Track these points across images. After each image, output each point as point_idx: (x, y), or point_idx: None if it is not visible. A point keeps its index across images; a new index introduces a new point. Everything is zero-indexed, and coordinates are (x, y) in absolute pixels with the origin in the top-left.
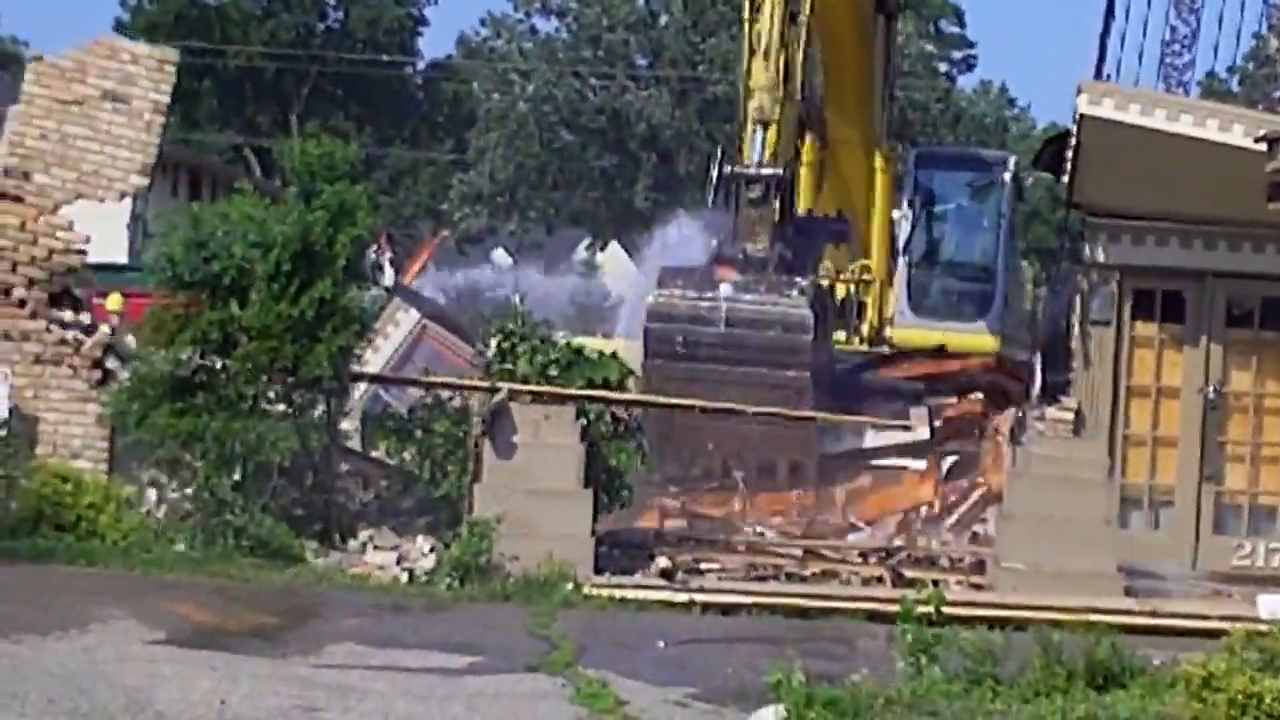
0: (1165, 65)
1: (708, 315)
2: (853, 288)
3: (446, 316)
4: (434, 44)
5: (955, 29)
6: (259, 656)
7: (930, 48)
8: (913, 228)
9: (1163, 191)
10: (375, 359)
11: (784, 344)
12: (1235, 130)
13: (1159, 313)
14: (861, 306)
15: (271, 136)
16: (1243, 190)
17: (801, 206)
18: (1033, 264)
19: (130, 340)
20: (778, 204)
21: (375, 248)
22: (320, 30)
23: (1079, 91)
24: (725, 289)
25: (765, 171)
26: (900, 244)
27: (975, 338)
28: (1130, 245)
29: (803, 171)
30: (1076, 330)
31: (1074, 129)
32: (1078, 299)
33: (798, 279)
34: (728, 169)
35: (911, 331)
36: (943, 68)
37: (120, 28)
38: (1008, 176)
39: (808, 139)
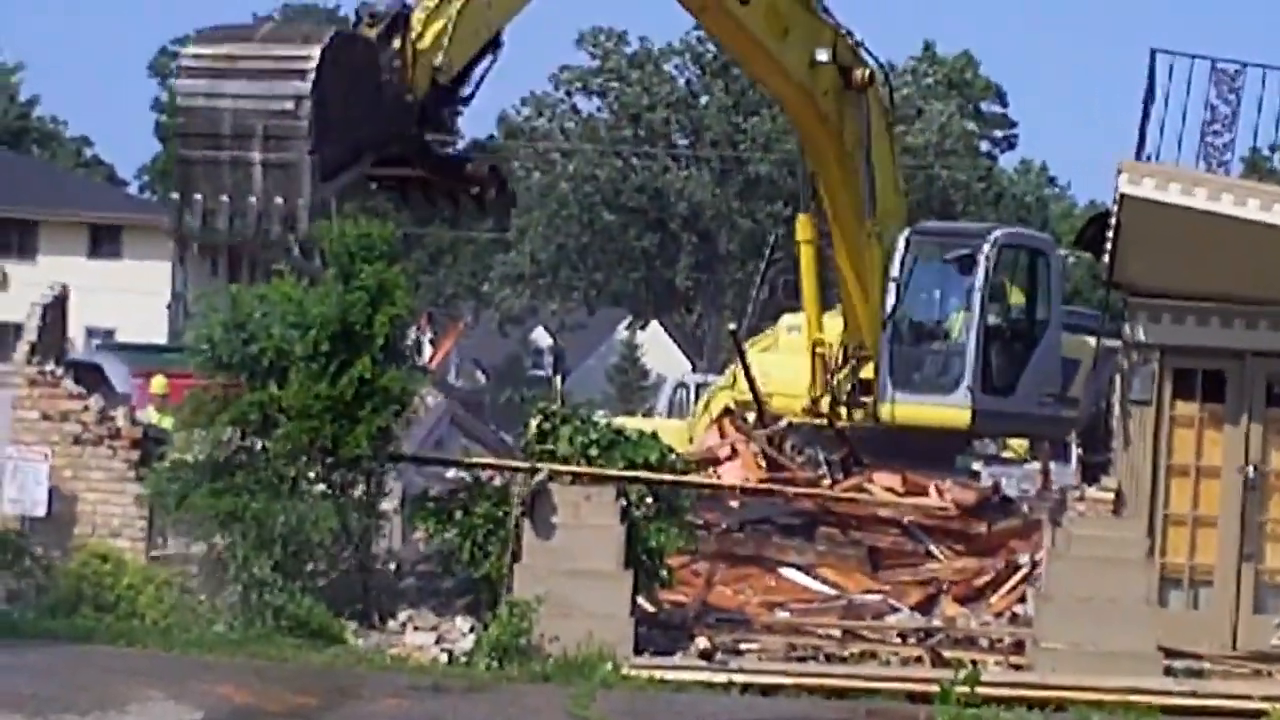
0: (1205, 144)
1: None
2: (853, 366)
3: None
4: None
5: (997, 108)
6: None
7: (972, 127)
8: (896, 302)
9: (1204, 271)
10: (406, 443)
11: None
12: (1276, 210)
13: (1200, 392)
14: (867, 384)
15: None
16: None
17: (807, 282)
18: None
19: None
20: None
21: (416, 327)
22: None
23: (1119, 171)
24: None
25: None
26: (885, 319)
27: (948, 411)
28: (1171, 324)
29: (803, 249)
30: (1117, 409)
31: (1115, 208)
32: (1118, 378)
33: None
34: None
35: (894, 406)
36: (984, 147)
37: (158, 107)
38: (987, 248)
39: (803, 217)
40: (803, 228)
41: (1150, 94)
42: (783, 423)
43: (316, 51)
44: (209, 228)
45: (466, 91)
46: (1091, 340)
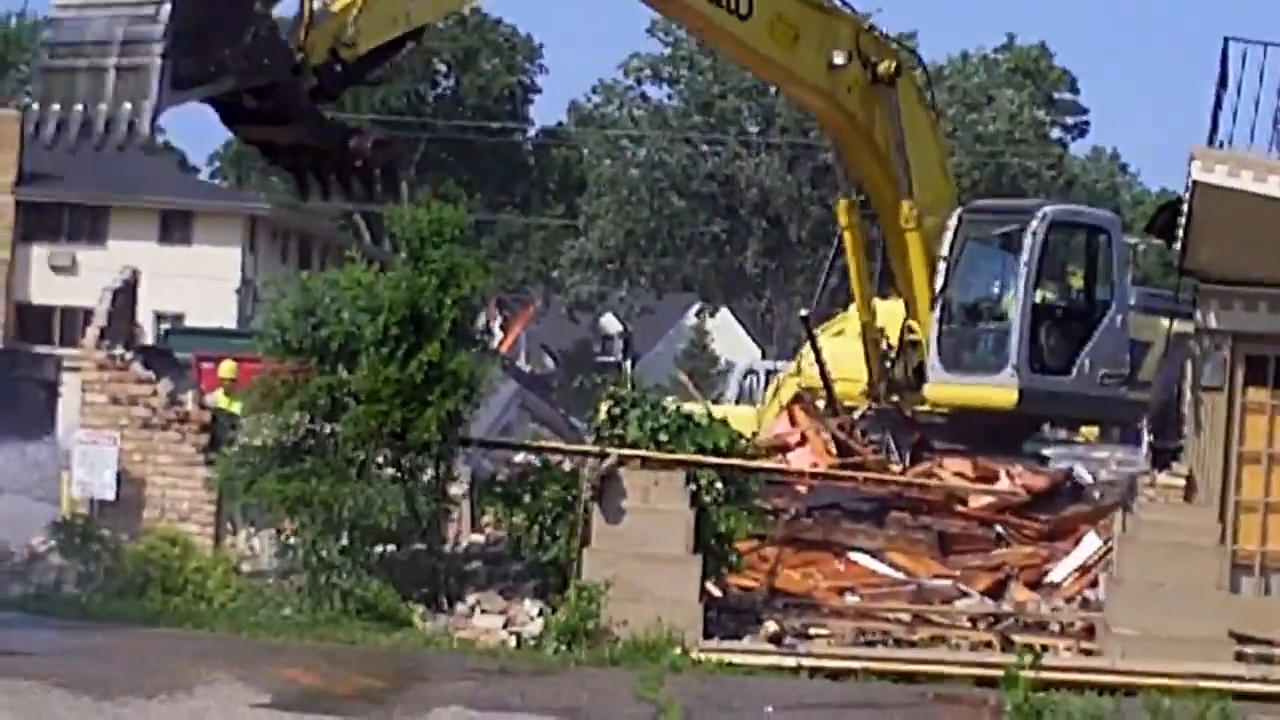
0: (1278, 131)
1: None
2: (907, 350)
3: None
4: (545, 111)
5: (1069, 96)
6: None
7: (1043, 115)
8: (945, 282)
9: (1275, 257)
10: (474, 427)
11: None
12: None
13: (1271, 379)
14: (921, 366)
15: (382, 202)
16: None
17: (852, 266)
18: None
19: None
20: None
21: (485, 312)
22: (432, 97)
23: (1192, 158)
24: None
25: None
26: (935, 298)
27: (995, 390)
28: (1242, 311)
29: (846, 234)
30: (1188, 396)
31: (1186, 195)
32: (1189, 365)
33: None
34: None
35: (942, 388)
36: (1055, 134)
37: None
38: (1035, 224)
39: (843, 202)
40: (843, 213)
41: (1223, 81)
42: (857, 413)
43: None
44: (63, 136)
45: (372, 74)
46: (1165, 322)
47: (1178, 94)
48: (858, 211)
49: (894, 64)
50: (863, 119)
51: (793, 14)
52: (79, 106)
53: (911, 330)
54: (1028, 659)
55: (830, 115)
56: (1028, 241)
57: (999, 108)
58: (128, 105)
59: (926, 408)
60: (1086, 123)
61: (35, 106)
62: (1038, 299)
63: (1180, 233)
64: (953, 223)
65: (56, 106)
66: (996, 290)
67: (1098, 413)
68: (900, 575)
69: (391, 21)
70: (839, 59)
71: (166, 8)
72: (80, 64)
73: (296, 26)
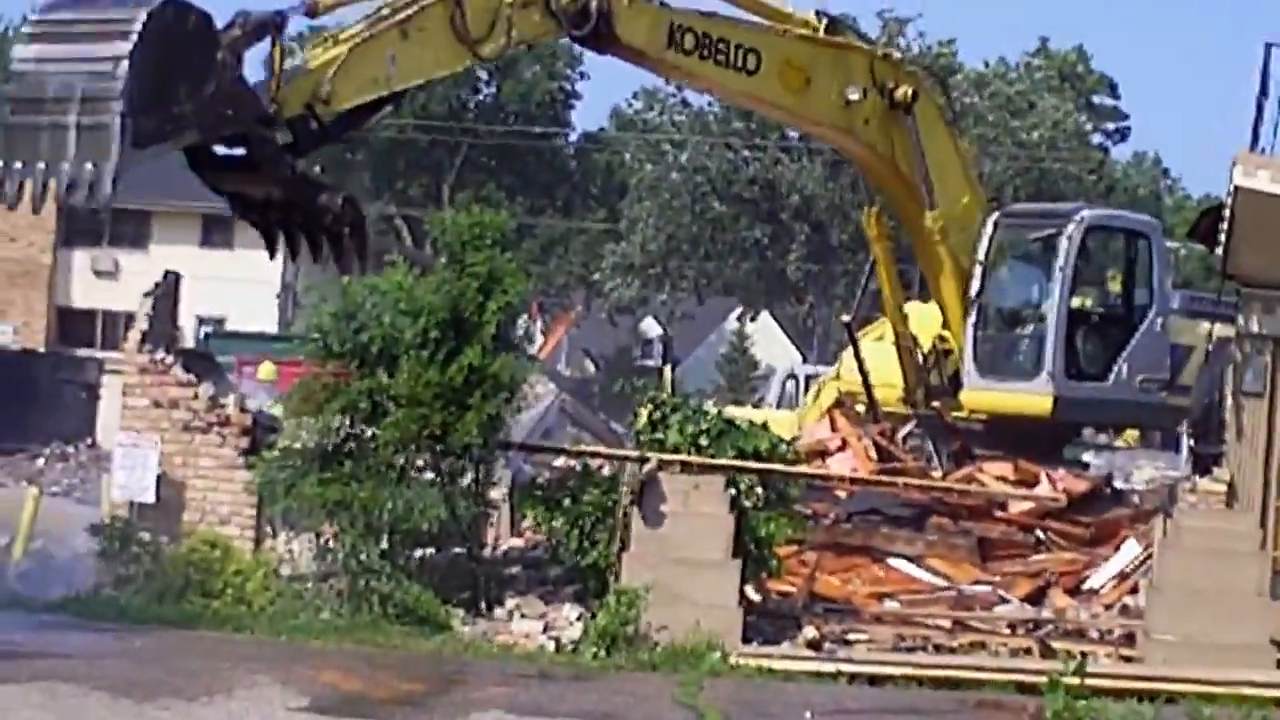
0: None
1: None
2: (939, 358)
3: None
4: (586, 116)
5: (1108, 100)
6: None
7: (1084, 120)
8: (980, 287)
9: None
10: (514, 431)
11: None
12: None
13: None
14: (956, 373)
15: (423, 207)
16: None
17: (882, 275)
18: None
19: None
20: None
21: (526, 316)
22: (473, 102)
23: (1234, 163)
24: None
25: None
26: (970, 304)
27: (1030, 397)
28: None
29: (874, 245)
30: (1230, 401)
31: (1228, 200)
32: (1231, 370)
33: None
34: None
35: (977, 394)
36: (1096, 140)
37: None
38: (1071, 228)
39: (869, 211)
40: (870, 224)
41: (1265, 87)
42: (905, 429)
43: (143, 15)
44: (22, 195)
45: (347, 134)
46: (1207, 326)
47: (1221, 99)
48: (886, 221)
49: (911, 89)
50: (883, 147)
51: (802, 57)
52: (41, 165)
53: (944, 339)
54: (1073, 665)
55: (850, 147)
56: (1064, 246)
57: (1041, 113)
58: (89, 166)
59: (964, 414)
60: (1128, 128)
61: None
62: (1075, 304)
63: (1222, 238)
64: (988, 228)
65: (19, 165)
66: (1032, 296)
67: (1136, 418)
68: (940, 581)
69: (371, 83)
70: (854, 95)
71: (124, 64)
72: (42, 121)
73: (269, 78)
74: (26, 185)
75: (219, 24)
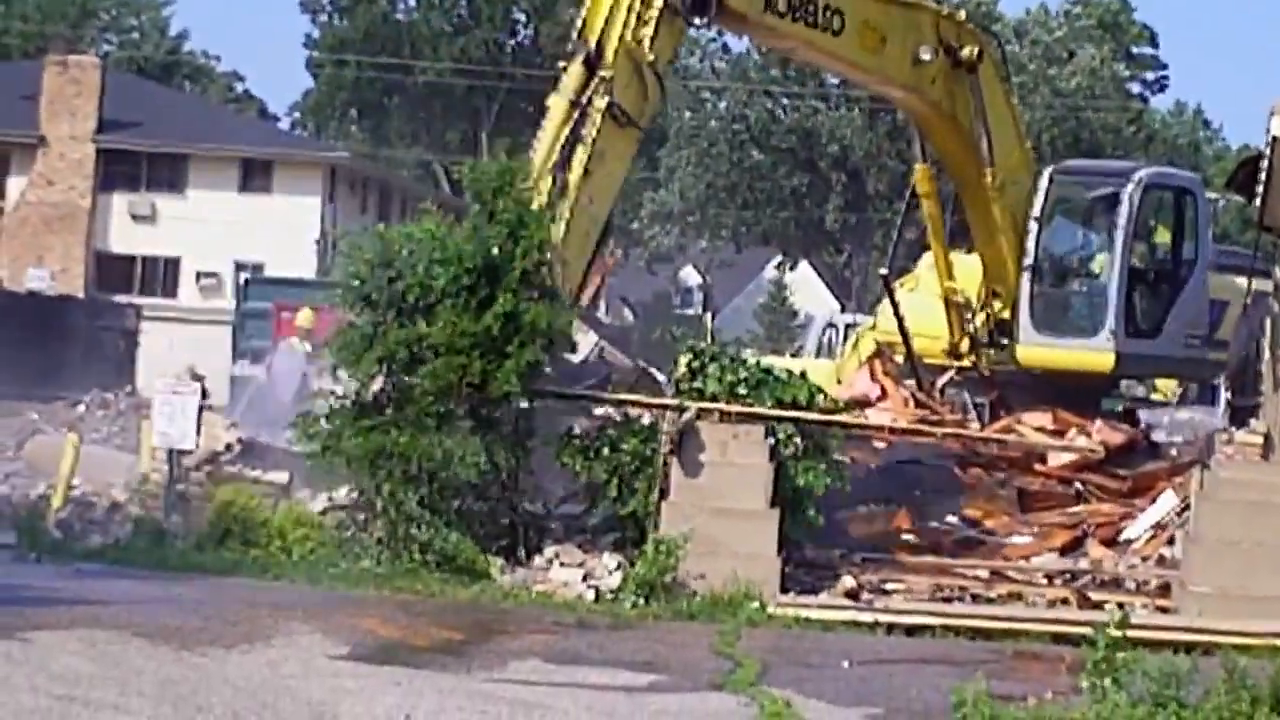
0: None
1: None
2: (988, 309)
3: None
4: None
5: (1148, 50)
6: (443, 672)
7: (1123, 69)
8: (1036, 244)
9: None
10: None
11: None
12: None
13: None
14: (1004, 326)
15: (461, 152)
16: None
17: (931, 232)
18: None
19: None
20: None
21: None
22: (510, 47)
23: (1272, 113)
24: None
25: None
26: (1026, 261)
27: (1091, 354)
28: None
29: (923, 202)
30: (1267, 354)
31: (1266, 151)
32: (1268, 323)
33: None
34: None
35: (1034, 350)
36: (1135, 89)
37: (310, 44)
38: (1131, 187)
39: (920, 169)
40: (921, 181)
41: None
42: (944, 377)
43: None
44: None
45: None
46: (1242, 281)
47: (1262, 50)
48: (934, 179)
49: (976, 49)
50: (946, 106)
51: (877, 17)
52: None
53: (995, 293)
54: (1118, 617)
55: (915, 106)
56: (1124, 206)
57: (1079, 63)
58: None
59: (1007, 366)
60: (1166, 78)
61: None
62: (1132, 262)
63: (1260, 188)
64: (1043, 184)
65: None
66: (1090, 252)
67: (1184, 373)
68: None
69: (585, 237)
70: (925, 55)
71: None
72: None
73: None
74: None
75: None
